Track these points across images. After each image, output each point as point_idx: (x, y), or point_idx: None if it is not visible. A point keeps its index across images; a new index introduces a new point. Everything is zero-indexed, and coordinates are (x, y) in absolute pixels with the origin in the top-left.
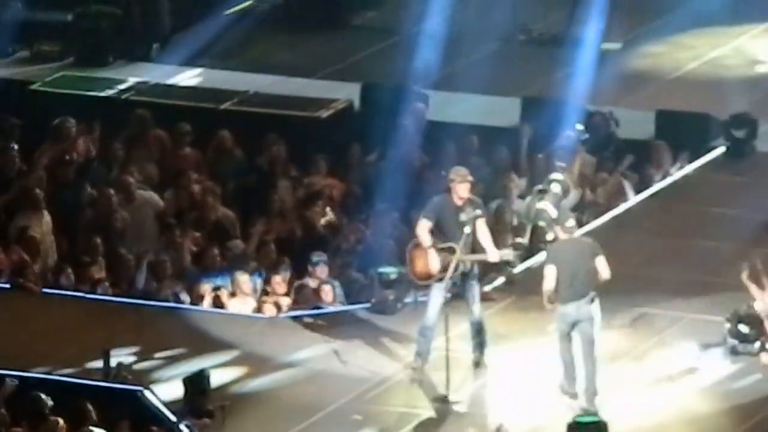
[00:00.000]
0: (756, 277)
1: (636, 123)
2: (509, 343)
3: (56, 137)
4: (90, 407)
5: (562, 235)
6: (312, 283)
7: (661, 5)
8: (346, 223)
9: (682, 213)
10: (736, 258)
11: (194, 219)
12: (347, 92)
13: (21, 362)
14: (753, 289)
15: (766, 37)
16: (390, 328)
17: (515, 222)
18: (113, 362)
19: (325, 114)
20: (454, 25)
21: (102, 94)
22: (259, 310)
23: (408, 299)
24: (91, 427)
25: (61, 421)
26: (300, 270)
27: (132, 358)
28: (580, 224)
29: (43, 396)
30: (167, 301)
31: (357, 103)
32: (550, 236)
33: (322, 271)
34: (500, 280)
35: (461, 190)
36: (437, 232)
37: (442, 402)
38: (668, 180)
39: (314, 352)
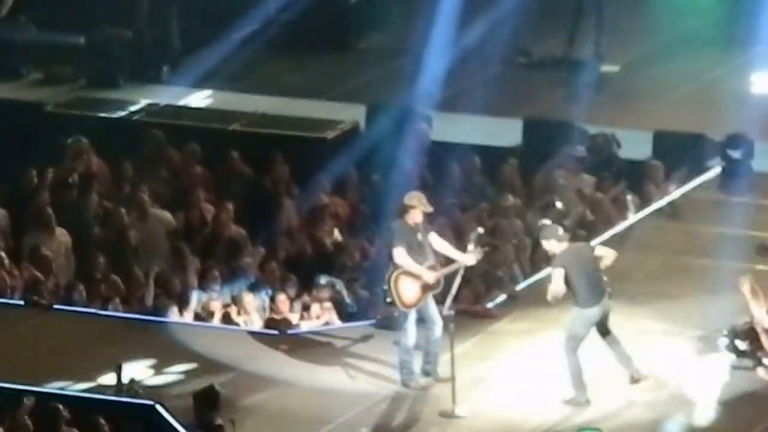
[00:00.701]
0: (754, 292)
1: (633, 143)
2: (513, 359)
3: (68, 156)
4: (103, 422)
5: (559, 247)
6: (317, 301)
7: (658, 28)
8: (351, 241)
9: (679, 232)
10: (732, 276)
11: (206, 236)
12: (353, 113)
13: (35, 378)
14: (752, 304)
15: (762, 58)
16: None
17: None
18: (125, 377)
19: (331, 135)
20: (457, 48)
21: (114, 115)
22: (266, 327)
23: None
24: None
25: None
26: (306, 288)
27: (144, 374)
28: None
29: (61, 407)
30: (173, 316)
31: (362, 124)
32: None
33: (327, 291)
34: (502, 296)
35: (418, 215)
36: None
37: (448, 416)
38: (666, 199)
39: (321, 367)
